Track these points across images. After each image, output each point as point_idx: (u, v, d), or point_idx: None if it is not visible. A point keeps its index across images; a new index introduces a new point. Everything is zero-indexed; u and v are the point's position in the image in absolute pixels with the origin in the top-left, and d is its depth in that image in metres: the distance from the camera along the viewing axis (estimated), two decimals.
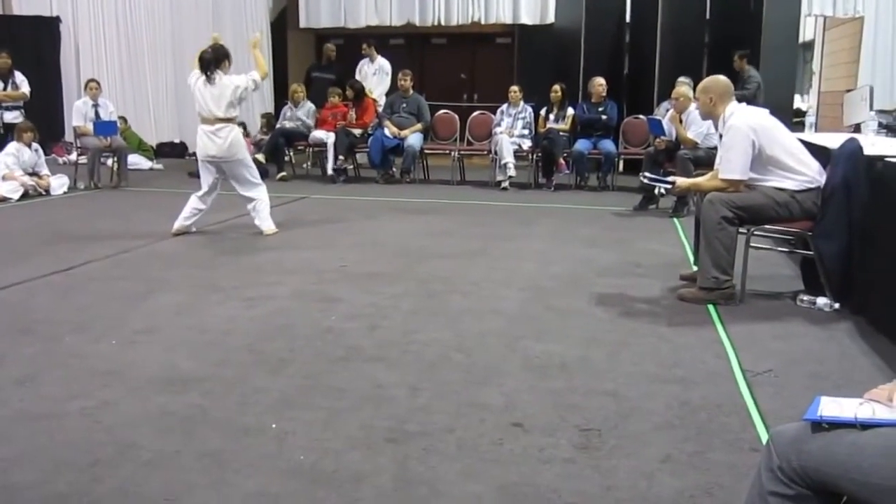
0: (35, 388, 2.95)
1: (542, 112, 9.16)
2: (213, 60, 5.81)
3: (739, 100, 9.17)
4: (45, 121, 9.91)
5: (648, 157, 7.64)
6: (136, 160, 10.50)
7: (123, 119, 11.07)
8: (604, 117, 8.82)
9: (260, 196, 6.06)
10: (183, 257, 5.30)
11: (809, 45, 13.01)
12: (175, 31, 12.07)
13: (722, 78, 4.31)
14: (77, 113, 9.20)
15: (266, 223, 6.04)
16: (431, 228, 6.43)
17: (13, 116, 9.18)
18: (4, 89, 9.38)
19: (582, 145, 8.71)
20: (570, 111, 9.01)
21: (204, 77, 5.81)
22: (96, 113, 9.16)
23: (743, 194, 4.10)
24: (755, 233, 4.22)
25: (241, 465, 2.35)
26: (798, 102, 12.52)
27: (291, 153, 10.17)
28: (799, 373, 3.14)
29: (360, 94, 9.65)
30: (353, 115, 9.60)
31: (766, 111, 4.27)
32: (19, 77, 9.54)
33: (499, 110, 9.43)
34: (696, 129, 6.95)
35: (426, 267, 5.00)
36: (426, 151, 9.64)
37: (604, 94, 8.92)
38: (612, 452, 2.43)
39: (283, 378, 3.06)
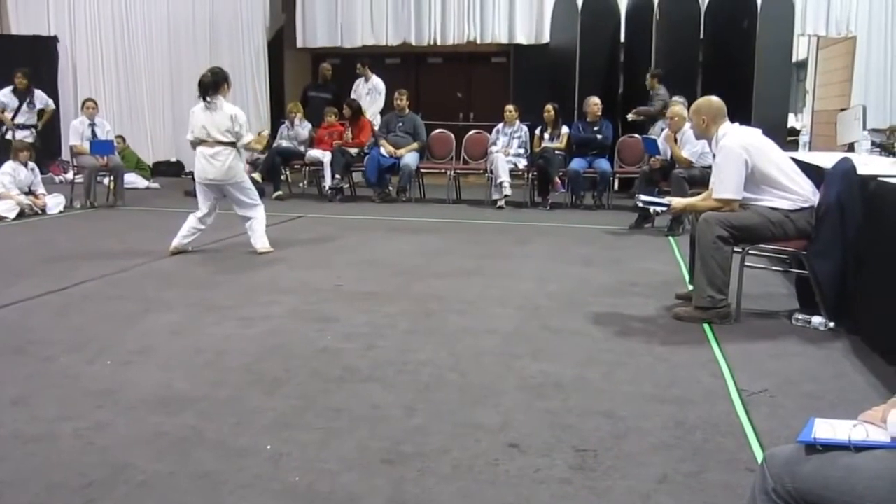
0: (29, 408, 2.94)
1: (538, 131, 9.21)
2: (213, 84, 5.82)
3: (644, 115, 9.52)
4: (41, 139, 9.93)
5: (643, 177, 7.68)
6: (132, 179, 10.52)
7: (122, 138, 11.11)
8: (599, 136, 8.86)
9: (257, 215, 6.08)
10: (179, 277, 5.30)
11: (803, 65, 13.12)
12: (172, 50, 12.13)
13: (715, 99, 4.34)
14: (74, 132, 9.21)
15: (261, 242, 6.06)
16: (427, 247, 6.44)
17: (24, 135, 9.25)
18: (18, 108, 9.43)
19: (577, 164, 8.74)
20: (565, 130, 9.05)
21: (203, 102, 5.83)
22: (93, 132, 9.17)
23: (738, 214, 4.12)
24: (750, 252, 4.24)
25: (236, 486, 2.34)
26: (792, 121, 12.60)
27: (288, 172, 10.20)
28: (794, 392, 3.14)
29: (357, 113, 9.70)
30: (349, 135, 9.64)
31: (758, 131, 4.29)
32: (39, 95, 9.61)
33: (494, 129, 9.48)
34: (691, 148, 6.98)
35: (422, 286, 5.00)
36: (422, 170, 9.66)
37: (599, 113, 8.96)
38: (608, 473, 2.43)
39: (279, 398, 3.05)
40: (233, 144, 5.89)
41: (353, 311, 4.33)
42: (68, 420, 2.82)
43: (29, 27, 12.41)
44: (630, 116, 9.45)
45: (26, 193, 8.15)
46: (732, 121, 4.30)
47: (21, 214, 7.90)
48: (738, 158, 4.04)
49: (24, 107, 9.51)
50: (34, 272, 5.34)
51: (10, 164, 8.09)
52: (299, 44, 11.75)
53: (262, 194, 9.66)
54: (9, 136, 9.27)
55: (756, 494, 1.57)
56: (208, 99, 5.81)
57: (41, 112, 9.84)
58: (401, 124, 9.59)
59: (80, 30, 12.37)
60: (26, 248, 6.37)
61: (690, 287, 4.53)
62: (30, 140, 9.17)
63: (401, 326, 4.07)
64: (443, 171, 9.69)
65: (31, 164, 8.28)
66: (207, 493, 2.30)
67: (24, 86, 9.50)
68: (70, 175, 9.87)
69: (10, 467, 2.45)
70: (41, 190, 8.36)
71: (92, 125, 9.21)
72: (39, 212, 8.14)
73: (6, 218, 7.71)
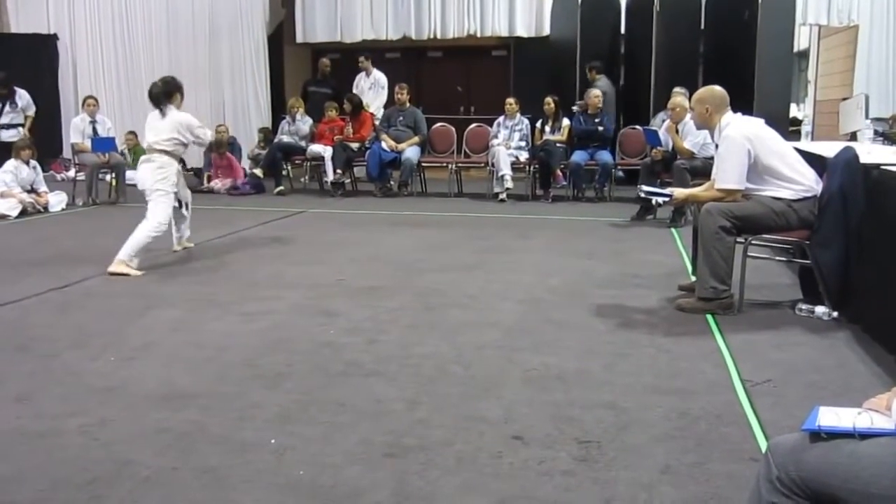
0: (32, 405, 2.95)
1: (539, 124, 9.19)
2: (164, 94, 5.62)
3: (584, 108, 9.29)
4: (42, 137, 9.91)
5: (645, 168, 7.66)
6: (133, 176, 10.49)
7: (134, 134, 11.06)
8: (600, 129, 8.83)
9: (142, 228, 5.40)
10: (180, 273, 5.30)
11: (805, 54, 13.06)
12: (172, 46, 12.09)
13: (717, 88, 4.31)
14: (75, 130, 9.21)
15: (125, 252, 5.28)
16: (429, 241, 6.43)
17: (10, 136, 9.22)
18: (2, 110, 9.42)
19: (579, 156, 8.72)
20: (566, 122, 9.03)
21: (157, 111, 5.66)
22: (94, 129, 9.16)
23: (740, 204, 4.10)
24: (753, 242, 4.23)
25: (240, 480, 2.34)
26: (794, 111, 12.56)
27: (289, 167, 10.20)
28: (798, 382, 3.14)
29: (357, 107, 9.69)
30: (350, 129, 9.62)
31: (761, 121, 4.28)
32: (21, 95, 9.57)
33: (495, 122, 9.45)
34: (693, 139, 6.97)
35: (424, 280, 5.00)
36: (423, 164, 9.65)
37: (600, 105, 8.94)
38: (611, 464, 2.43)
39: (282, 393, 3.06)
40: (172, 154, 5.64)
41: (355, 306, 4.33)
42: (72, 416, 2.82)
43: (28, 25, 12.38)
44: (575, 108, 9.37)
45: (28, 191, 8.16)
46: (734, 111, 4.28)
47: (23, 212, 7.90)
48: (740, 148, 4.03)
49: (7, 107, 9.50)
50: (36, 270, 5.34)
51: (11, 163, 8.09)
52: (299, 39, 11.72)
53: (261, 190, 9.76)
54: None
55: (760, 483, 1.57)
56: (161, 108, 5.61)
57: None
58: (401, 118, 9.58)
59: (80, 27, 12.33)
60: (28, 245, 6.37)
61: (693, 278, 4.52)
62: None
63: (403, 320, 4.07)
64: (444, 164, 9.68)
65: (33, 163, 8.28)
66: (211, 487, 2.30)
67: (3, 93, 9.48)
68: (72, 173, 9.85)
69: (14, 463, 2.46)
70: (43, 188, 8.36)
71: (93, 122, 9.20)
72: (41, 210, 8.14)
73: (8, 216, 7.71)
